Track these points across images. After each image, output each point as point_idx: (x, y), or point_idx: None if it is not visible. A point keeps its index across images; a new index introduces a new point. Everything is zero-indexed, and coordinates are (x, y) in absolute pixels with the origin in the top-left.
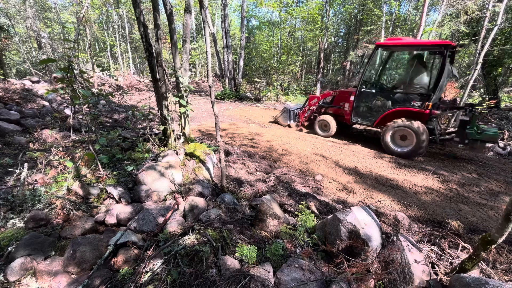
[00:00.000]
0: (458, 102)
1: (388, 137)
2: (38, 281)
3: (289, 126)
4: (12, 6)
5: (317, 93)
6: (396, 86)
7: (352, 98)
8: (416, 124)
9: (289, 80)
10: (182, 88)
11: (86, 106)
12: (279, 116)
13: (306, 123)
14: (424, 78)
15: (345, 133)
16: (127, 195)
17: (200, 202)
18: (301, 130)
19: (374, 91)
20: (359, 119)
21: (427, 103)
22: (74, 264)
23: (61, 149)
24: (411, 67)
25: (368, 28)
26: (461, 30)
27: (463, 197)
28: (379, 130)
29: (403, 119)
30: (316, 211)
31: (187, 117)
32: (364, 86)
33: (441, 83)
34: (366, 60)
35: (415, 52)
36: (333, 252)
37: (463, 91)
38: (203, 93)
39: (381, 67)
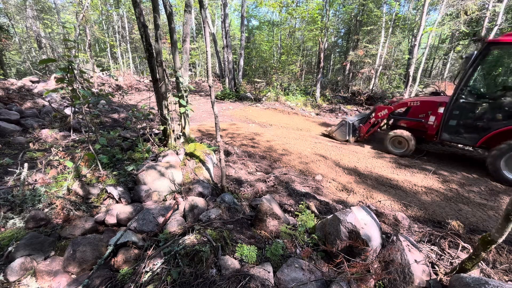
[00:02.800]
0: None
1: (501, 163)
2: (38, 281)
3: (347, 141)
4: (12, 6)
5: (317, 93)
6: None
7: (441, 109)
8: None
9: (289, 80)
10: (182, 88)
11: (86, 106)
12: (334, 130)
13: (366, 137)
14: None
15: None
16: (127, 195)
17: (200, 202)
18: (361, 146)
19: (479, 102)
20: (451, 137)
21: None
22: (74, 264)
23: (61, 149)
24: None
25: (368, 28)
26: (461, 30)
27: (463, 197)
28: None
29: None
30: (316, 211)
31: (187, 117)
32: (463, 96)
33: None
34: (471, 62)
35: None
36: (333, 252)
37: None
38: (203, 93)
39: (488, 72)
